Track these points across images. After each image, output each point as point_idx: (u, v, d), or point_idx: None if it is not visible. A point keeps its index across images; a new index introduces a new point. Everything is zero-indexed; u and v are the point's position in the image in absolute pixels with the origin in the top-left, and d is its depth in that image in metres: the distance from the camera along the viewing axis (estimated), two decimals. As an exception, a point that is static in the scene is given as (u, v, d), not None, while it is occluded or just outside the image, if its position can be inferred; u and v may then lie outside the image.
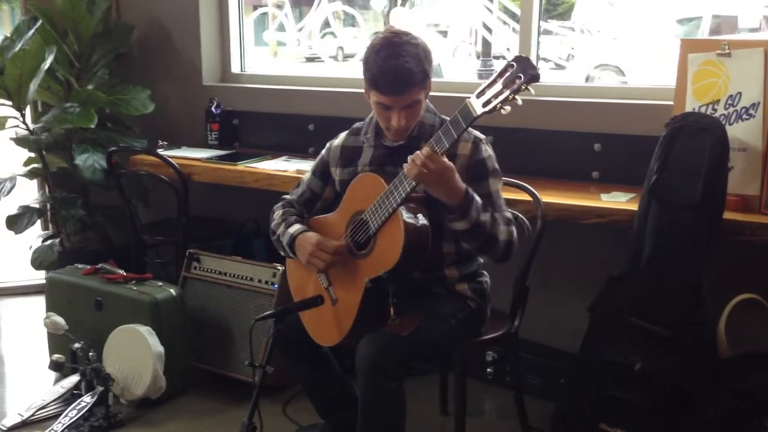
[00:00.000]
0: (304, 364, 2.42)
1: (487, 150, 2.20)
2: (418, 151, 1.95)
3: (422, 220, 2.06)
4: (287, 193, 2.51)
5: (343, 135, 2.39)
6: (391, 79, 2.06)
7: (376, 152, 2.26)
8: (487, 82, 1.87)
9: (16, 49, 3.47)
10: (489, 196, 2.14)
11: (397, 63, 2.05)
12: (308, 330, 2.30)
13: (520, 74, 1.82)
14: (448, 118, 1.97)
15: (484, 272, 2.38)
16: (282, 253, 2.38)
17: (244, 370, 2.93)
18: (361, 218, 2.14)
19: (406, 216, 2.03)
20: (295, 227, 2.29)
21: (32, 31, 3.49)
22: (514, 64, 1.84)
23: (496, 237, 2.07)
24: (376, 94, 2.11)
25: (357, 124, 2.36)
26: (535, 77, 1.82)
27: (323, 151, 2.40)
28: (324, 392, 2.47)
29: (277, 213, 2.39)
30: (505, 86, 1.84)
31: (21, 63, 3.44)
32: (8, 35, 3.62)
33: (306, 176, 2.44)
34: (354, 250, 2.17)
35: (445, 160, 1.95)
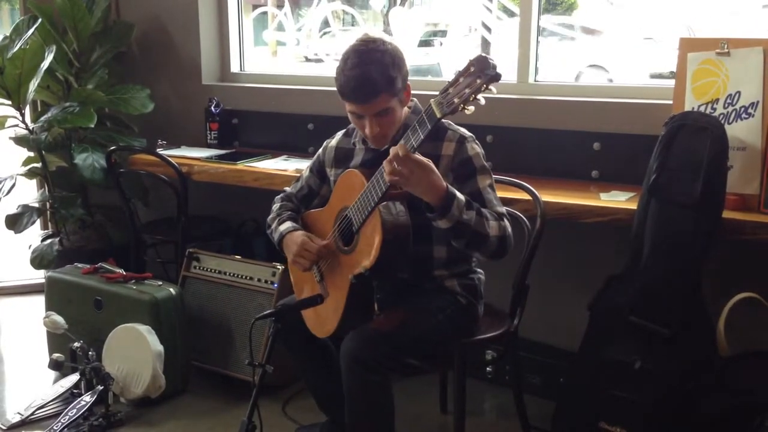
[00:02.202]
0: (306, 356, 2.45)
1: (474, 148, 2.17)
2: (392, 147, 1.94)
3: (402, 218, 2.05)
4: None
5: (339, 135, 2.41)
6: (355, 87, 2.07)
7: (366, 155, 2.28)
8: (450, 81, 1.84)
9: (16, 48, 3.47)
10: (478, 193, 2.11)
11: (361, 72, 2.05)
12: (306, 321, 2.32)
13: (480, 75, 1.78)
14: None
15: (478, 269, 2.37)
16: (276, 246, 2.41)
17: (244, 369, 2.93)
18: (345, 214, 2.16)
19: (384, 214, 2.03)
20: (285, 225, 2.32)
21: (32, 30, 3.48)
22: (474, 64, 1.80)
23: (484, 234, 2.02)
24: (347, 104, 2.13)
25: (353, 125, 2.37)
26: (494, 77, 1.78)
27: (320, 150, 2.43)
28: (324, 385, 2.48)
29: (275, 206, 2.44)
30: (467, 86, 1.80)
31: (20, 62, 3.44)
32: (8, 34, 3.62)
33: (305, 172, 2.47)
34: (341, 246, 2.19)
35: (419, 157, 1.92)
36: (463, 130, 2.20)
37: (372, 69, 2.05)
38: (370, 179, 2.05)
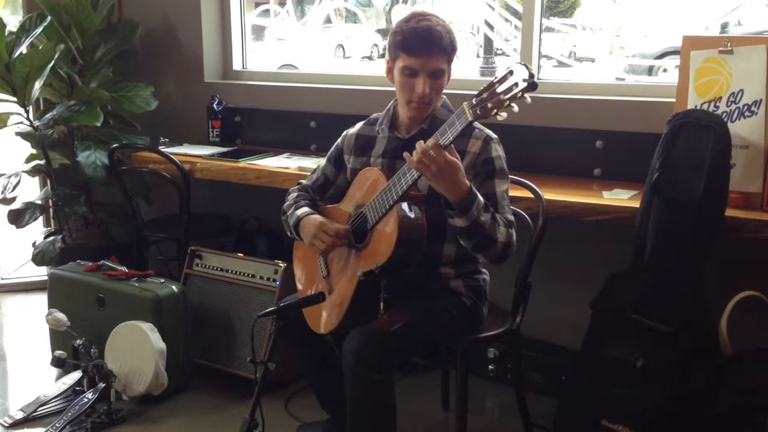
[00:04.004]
0: (308, 355, 2.46)
1: (497, 150, 2.21)
2: (421, 141, 1.96)
3: (418, 218, 2.07)
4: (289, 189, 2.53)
5: (359, 124, 2.43)
6: (423, 36, 2.11)
7: (389, 144, 2.30)
8: (485, 86, 1.88)
9: (23, 45, 3.47)
10: (493, 197, 2.14)
11: (429, 25, 2.13)
12: (305, 316, 2.32)
13: (517, 82, 1.82)
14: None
15: (483, 270, 2.38)
16: (289, 234, 2.42)
17: (246, 367, 2.93)
18: (361, 212, 2.17)
19: (401, 213, 2.05)
20: (303, 210, 2.34)
21: (40, 28, 3.49)
22: (513, 71, 1.85)
23: (494, 238, 2.06)
24: (404, 58, 2.15)
25: (374, 115, 2.40)
26: (532, 86, 1.82)
27: (339, 139, 2.45)
28: (327, 384, 2.49)
29: (291, 196, 2.46)
30: (502, 93, 1.84)
31: (30, 61, 3.44)
32: (13, 31, 3.62)
33: (321, 162, 2.50)
34: (353, 242, 2.19)
35: (448, 154, 1.95)
36: (489, 131, 2.23)
37: (439, 26, 2.13)
38: (391, 178, 2.07)
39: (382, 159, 2.29)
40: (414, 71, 2.14)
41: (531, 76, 1.82)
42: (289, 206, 2.41)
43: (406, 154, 1.98)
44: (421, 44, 2.12)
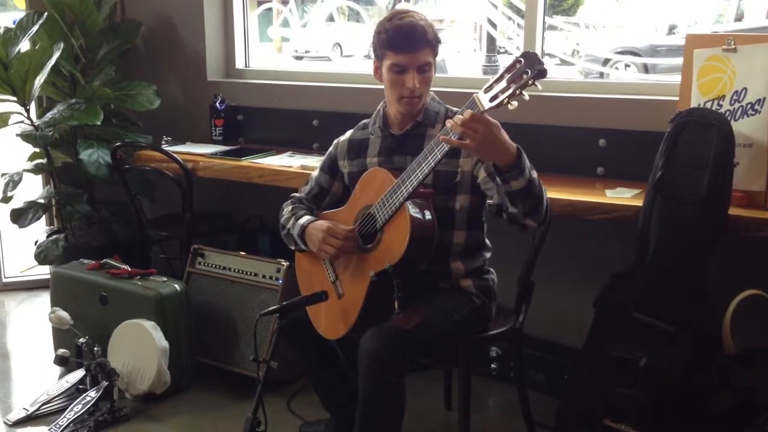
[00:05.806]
0: (310, 356, 2.45)
1: None
2: (458, 116, 1.92)
3: (428, 215, 2.08)
4: (292, 189, 2.53)
5: (349, 131, 2.44)
6: (408, 33, 2.13)
7: (384, 143, 2.30)
8: (495, 77, 1.89)
9: (20, 43, 3.47)
10: None
11: (412, 21, 2.15)
12: (314, 323, 2.31)
13: (528, 69, 1.83)
14: (455, 108, 1.99)
15: (491, 269, 2.38)
16: (292, 247, 2.40)
17: (249, 365, 2.93)
18: (368, 212, 2.17)
19: (412, 210, 2.05)
20: (305, 218, 2.33)
21: (37, 25, 3.49)
22: (522, 59, 1.85)
23: (542, 196, 2.04)
24: (392, 56, 2.16)
25: (364, 120, 2.41)
26: (543, 72, 1.83)
27: (331, 147, 2.45)
28: (329, 384, 2.49)
29: (287, 209, 2.43)
30: (513, 81, 1.85)
31: (29, 59, 3.44)
32: (10, 28, 3.62)
33: (314, 173, 2.48)
34: (361, 244, 2.19)
35: (489, 118, 1.91)
36: None
37: (420, 21, 2.16)
38: (399, 176, 2.08)
39: (378, 158, 2.30)
40: (402, 68, 2.15)
41: (540, 63, 1.83)
42: (287, 219, 2.39)
43: (448, 121, 1.94)
44: (407, 41, 2.13)
